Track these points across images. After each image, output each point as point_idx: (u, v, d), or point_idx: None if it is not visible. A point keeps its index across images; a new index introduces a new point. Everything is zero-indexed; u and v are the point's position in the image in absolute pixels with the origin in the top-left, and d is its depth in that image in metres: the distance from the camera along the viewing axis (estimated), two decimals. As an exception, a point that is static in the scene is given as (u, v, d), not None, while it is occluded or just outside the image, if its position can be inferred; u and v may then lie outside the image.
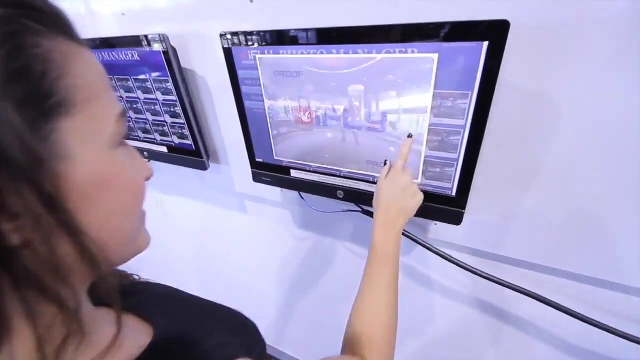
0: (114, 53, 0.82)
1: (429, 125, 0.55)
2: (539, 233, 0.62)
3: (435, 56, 0.49)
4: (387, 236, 0.50)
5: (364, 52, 0.53)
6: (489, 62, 0.46)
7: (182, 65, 0.80)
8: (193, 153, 0.89)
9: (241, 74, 0.67)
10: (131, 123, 0.95)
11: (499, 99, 0.53)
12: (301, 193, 0.82)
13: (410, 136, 0.56)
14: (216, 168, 0.99)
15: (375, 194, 0.55)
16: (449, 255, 0.70)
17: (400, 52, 0.50)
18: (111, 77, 0.87)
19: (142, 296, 0.37)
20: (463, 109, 0.51)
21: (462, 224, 0.63)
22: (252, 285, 1.31)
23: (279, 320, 1.37)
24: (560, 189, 0.57)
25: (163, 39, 0.72)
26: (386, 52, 0.51)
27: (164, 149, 0.94)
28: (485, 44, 0.45)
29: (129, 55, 0.80)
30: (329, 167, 0.69)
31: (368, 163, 0.64)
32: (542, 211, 0.60)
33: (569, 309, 0.62)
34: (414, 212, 0.53)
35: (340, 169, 0.68)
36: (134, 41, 0.77)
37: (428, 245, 0.71)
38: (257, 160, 0.78)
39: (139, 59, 0.79)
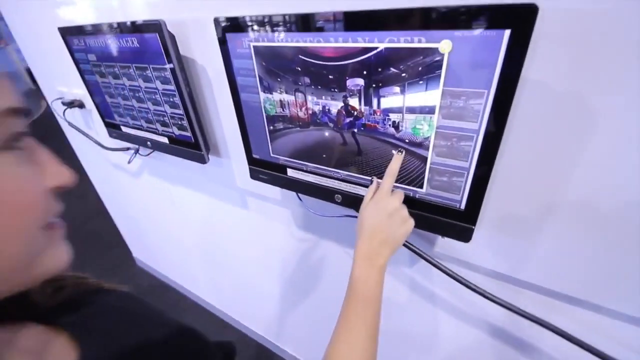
0: (113, 39, 0.79)
1: (437, 128, 0.47)
2: (566, 257, 0.53)
3: (447, 46, 0.41)
4: (369, 270, 0.44)
5: (364, 41, 0.46)
6: (511, 55, 0.38)
7: (182, 53, 0.76)
8: (192, 145, 0.86)
9: (236, 63, 0.62)
10: (134, 112, 0.93)
11: (520, 99, 0.45)
12: (299, 194, 0.76)
13: (400, 152, 0.49)
14: (217, 161, 0.96)
15: (358, 219, 0.48)
16: (458, 275, 0.62)
17: (405, 41, 0.43)
18: (114, 64, 0.85)
19: (89, 311, 0.33)
20: (477, 110, 0.43)
21: (473, 240, 0.56)
22: (255, 281, 1.29)
23: (280, 318, 1.34)
24: (593, 209, 0.48)
25: (159, 25, 0.69)
26: (389, 41, 0.44)
27: (165, 140, 0.92)
28: (507, 32, 0.37)
29: (128, 41, 0.77)
30: (326, 168, 0.63)
31: (368, 166, 0.58)
32: (569, 233, 0.51)
33: (600, 351, 0.53)
34: (402, 242, 0.47)
35: (339, 171, 0.62)
36: (130, 27, 0.74)
37: (434, 261, 0.63)
38: (254, 156, 0.74)
39: (138, 45, 0.76)
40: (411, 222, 0.48)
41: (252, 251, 1.17)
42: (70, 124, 1.24)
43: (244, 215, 1.05)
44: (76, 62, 0.96)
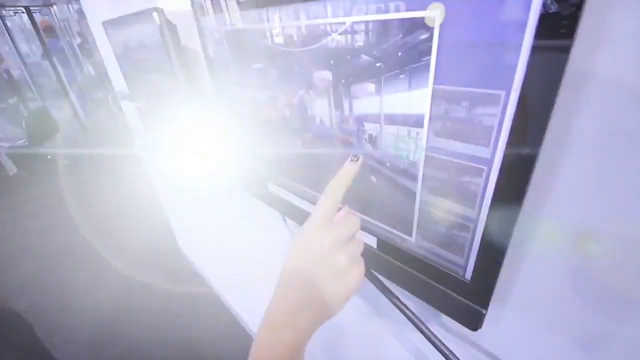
0: (130, 33, 0.78)
1: (427, 150, 0.30)
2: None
3: (437, 13, 0.25)
4: (272, 345, 0.27)
5: (327, 15, 0.32)
6: (549, 29, 0.20)
7: (184, 44, 0.70)
8: (193, 145, 0.81)
9: (212, 52, 0.53)
10: (155, 106, 0.92)
11: (577, 107, 0.25)
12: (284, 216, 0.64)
13: (355, 159, 0.31)
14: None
15: None
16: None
17: (379, 10, 0.28)
18: (137, 58, 0.85)
19: None
20: (488, 125, 0.25)
21: (494, 323, 0.37)
22: (260, 288, 1.20)
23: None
24: None
25: (157, 13, 0.64)
26: (358, 13, 0.29)
27: (176, 137, 0.89)
28: (542, -22, 0.19)
29: (142, 34, 0.75)
30: (303, 188, 0.50)
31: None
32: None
33: None
34: (336, 310, 0.27)
35: (316, 194, 0.48)
36: (134, 19, 0.71)
37: (435, 341, 0.44)
38: (240, 163, 0.64)
39: (146, 38, 0.73)
40: (353, 276, 0.27)
41: (256, 261, 1.08)
42: (118, 112, 1.32)
43: (247, 221, 0.96)
44: (115, 56, 1.00)
